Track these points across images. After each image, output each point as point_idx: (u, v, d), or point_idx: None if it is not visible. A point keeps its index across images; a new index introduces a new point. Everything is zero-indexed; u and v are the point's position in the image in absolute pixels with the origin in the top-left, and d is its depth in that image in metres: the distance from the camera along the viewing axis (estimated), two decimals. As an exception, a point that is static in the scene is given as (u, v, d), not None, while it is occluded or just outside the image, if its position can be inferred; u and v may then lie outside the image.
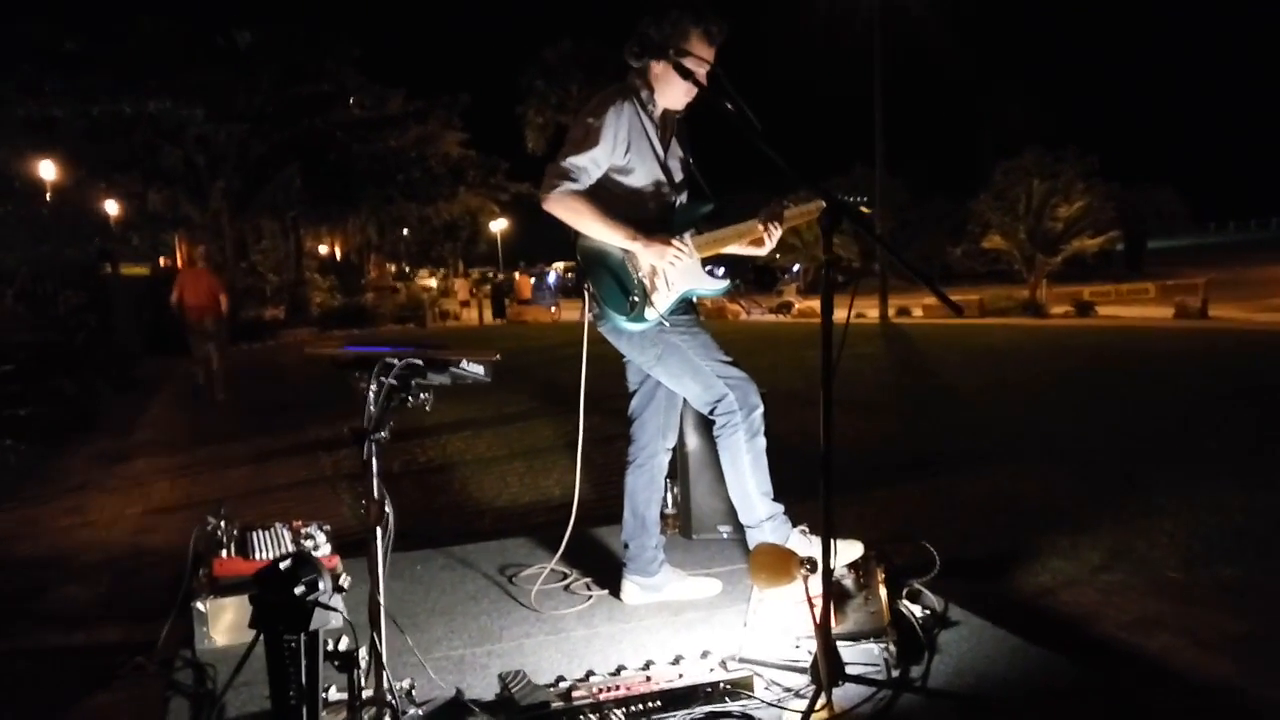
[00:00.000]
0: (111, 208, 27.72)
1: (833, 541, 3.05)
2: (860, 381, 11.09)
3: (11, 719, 2.84)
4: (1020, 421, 7.74)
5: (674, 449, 3.50)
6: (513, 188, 43.05)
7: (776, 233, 3.02)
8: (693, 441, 3.85)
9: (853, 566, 2.80)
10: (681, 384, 3.07)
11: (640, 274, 2.96)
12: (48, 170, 25.64)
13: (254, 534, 3.22)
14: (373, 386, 2.08)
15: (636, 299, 2.93)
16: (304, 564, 2.09)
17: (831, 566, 2.17)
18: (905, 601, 2.76)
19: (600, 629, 2.88)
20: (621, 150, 2.96)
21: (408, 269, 58.57)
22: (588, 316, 3.04)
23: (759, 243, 3.07)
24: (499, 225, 50.90)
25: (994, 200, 29.40)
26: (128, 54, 26.66)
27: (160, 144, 27.40)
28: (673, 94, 3.03)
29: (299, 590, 2.06)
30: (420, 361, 2.08)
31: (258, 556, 3.02)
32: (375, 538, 2.13)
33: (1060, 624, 3.37)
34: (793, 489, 5.77)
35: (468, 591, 3.30)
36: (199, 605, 2.91)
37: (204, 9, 37.63)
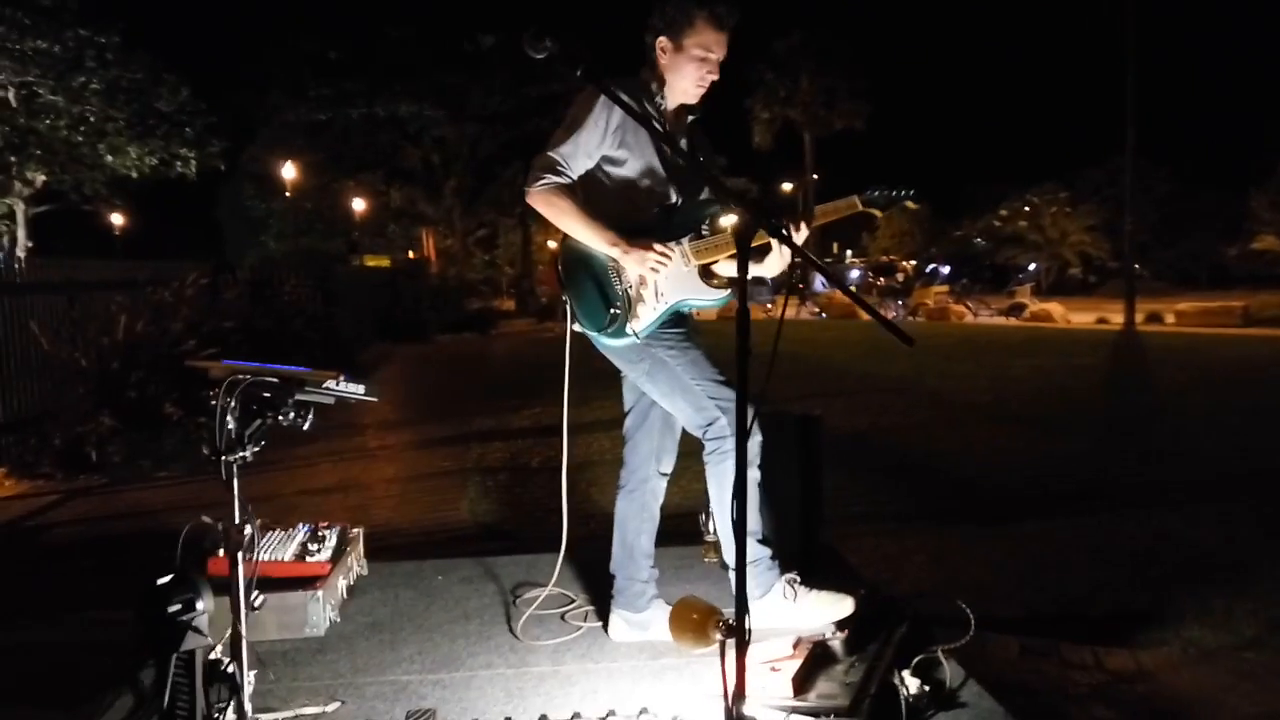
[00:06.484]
0: (358, 204, 30.25)
1: (783, 598, 2.68)
2: (1060, 395, 10.03)
3: (65, 685, 2.98)
4: (1232, 457, 6.65)
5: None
6: (729, 183, 42.86)
7: (799, 231, 2.65)
8: (740, 464, 3.49)
9: (842, 626, 2.40)
10: (672, 402, 2.78)
11: (626, 284, 2.69)
12: (308, 169, 28.38)
13: (269, 534, 3.24)
14: (227, 403, 1.97)
15: (617, 311, 2.66)
16: (181, 583, 2.03)
17: (747, 630, 1.82)
18: (906, 673, 2.32)
19: (565, 668, 2.63)
20: (614, 139, 2.69)
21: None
22: (570, 327, 2.80)
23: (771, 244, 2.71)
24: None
25: (1271, 195, 25.93)
26: (380, 60, 28.88)
27: (402, 144, 29.53)
28: (682, 84, 2.75)
29: (172, 609, 2.00)
30: (275, 380, 1.96)
31: (258, 558, 3.02)
32: (236, 564, 2.03)
33: (1161, 708, 2.80)
34: (930, 513, 5.28)
35: (465, 610, 3.14)
36: (184, 603, 2.92)
37: (444, 16, 39.90)
